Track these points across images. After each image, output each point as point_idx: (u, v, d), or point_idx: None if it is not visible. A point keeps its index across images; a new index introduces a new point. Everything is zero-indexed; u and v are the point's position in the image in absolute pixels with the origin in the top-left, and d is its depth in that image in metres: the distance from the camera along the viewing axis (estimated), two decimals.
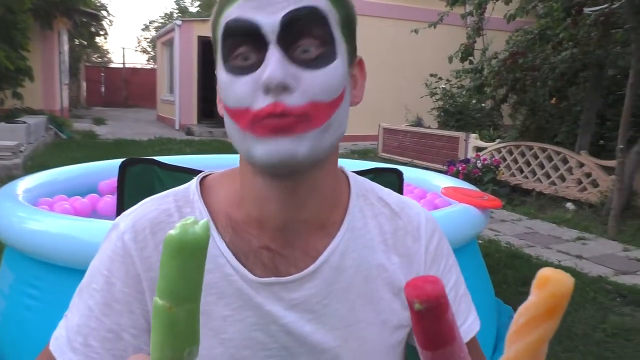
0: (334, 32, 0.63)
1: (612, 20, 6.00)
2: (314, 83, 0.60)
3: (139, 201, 0.83)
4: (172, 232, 0.45)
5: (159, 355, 0.45)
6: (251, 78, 0.60)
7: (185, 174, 1.03)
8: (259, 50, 0.60)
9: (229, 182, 0.73)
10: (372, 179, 0.80)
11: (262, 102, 0.59)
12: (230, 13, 0.62)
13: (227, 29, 0.62)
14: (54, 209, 2.63)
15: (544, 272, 0.43)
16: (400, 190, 1.12)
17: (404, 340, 0.74)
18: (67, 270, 2.06)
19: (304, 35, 0.60)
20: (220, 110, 0.69)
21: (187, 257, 0.45)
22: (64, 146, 9.50)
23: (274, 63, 0.58)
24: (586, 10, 5.79)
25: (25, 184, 2.73)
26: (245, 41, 0.61)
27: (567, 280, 0.42)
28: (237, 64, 0.62)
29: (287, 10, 0.59)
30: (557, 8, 5.97)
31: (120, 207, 1.01)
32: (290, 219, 0.68)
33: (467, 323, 0.75)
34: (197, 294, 0.47)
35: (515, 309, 2.16)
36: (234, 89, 0.61)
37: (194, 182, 0.74)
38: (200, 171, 1.01)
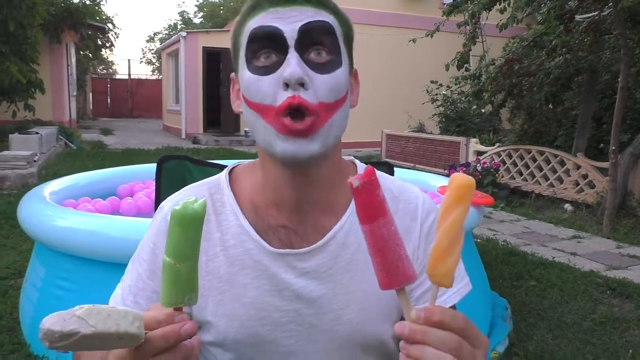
0: (340, 44, 0.77)
1: (603, 27, 6.21)
2: (324, 85, 0.73)
3: (173, 190, 0.98)
4: (176, 207, 0.60)
5: (167, 299, 0.60)
6: (273, 78, 0.72)
7: (211, 168, 1.22)
8: (280, 53, 0.73)
9: (252, 173, 0.86)
10: None
11: (282, 97, 0.71)
12: (255, 22, 0.74)
13: (253, 34, 0.74)
14: (78, 209, 2.84)
15: (452, 175, 0.58)
16: None
17: (399, 310, 0.82)
18: (95, 263, 2.27)
19: (316, 43, 0.73)
20: (237, 107, 0.82)
21: (187, 226, 0.59)
22: (74, 156, 9.75)
23: (294, 63, 0.71)
24: (577, 17, 6.01)
25: (51, 187, 2.96)
26: (268, 44, 0.73)
27: (467, 177, 0.57)
28: (260, 64, 0.74)
29: (304, 22, 0.73)
30: (550, 16, 6.18)
31: (158, 195, 1.21)
32: (302, 201, 0.80)
33: (448, 294, 0.84)
34: (195, 254, 0.61)
35: (510, 302, 2.49)
36: (259, 86, 0.73)
37: (224, 173, 0.88)
38: (224, 165, 1.21)
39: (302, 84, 0.71)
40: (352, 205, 0.82)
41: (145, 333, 0.56)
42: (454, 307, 0.85)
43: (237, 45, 0.79)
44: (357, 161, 0.91)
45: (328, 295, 0.80)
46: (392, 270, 0.58)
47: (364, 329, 0.81)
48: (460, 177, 0.57)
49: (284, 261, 0.80)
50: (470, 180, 0.57)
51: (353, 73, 0.83)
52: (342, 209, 0.83)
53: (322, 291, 0.80)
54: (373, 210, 0.58)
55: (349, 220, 0.82)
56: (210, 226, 0.82)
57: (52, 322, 0.50)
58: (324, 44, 0.74)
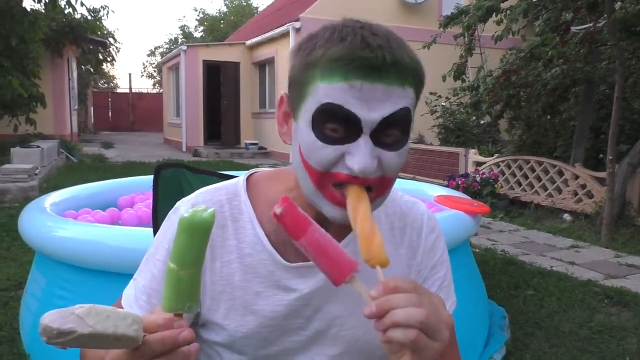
0: (412, 119, 0.74)
1: (598, 38, 6.28)
2: (391, 162, 0.72)
3: (170, 198, 1.00)
4: (185, 214, 0.61)
5: (167, 305, 0.61)
6: (338, 149, 0.70)
7: (209, 176, 1.24)
8: (350, 130, 0.69)
9: (274, 183, 0.87)
10: None
11: (342, 170, 0.70)
12: (330, 91, 0.69)
13: (326, 109, 0.69)
14: (78, 220, 2.87)
15: (346, 187, 0.72)
16: None
17: None
18: (95, 273, 2.30)
19: (392, 129, 0.71)
20: (284, 136, 0.80)
21: (193, 234, 0.61)
22: (75, 169, 9.80)
23: (364, 155, 0.68)
24: (573, 28, 6.07)
25: (52, 198, 2.99)
26: (340, 121, 0.69)
27: (355, 186, 0.71)
28: (326, 133, 0.70)
29: (388, 113, 0.69)
30: (546, 27, 6.25)
31: (155, 203, 1.23)
32: (321, 224, 0.79)
33: None
34: (199, 263, 0.62)
35: (507, 311, 2.54)
36: (322, 153, 0.70)
37: (242, 178, 0.88)
38: (221, 174, 1.23)
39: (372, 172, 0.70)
40: None
41: (144, 335, 0.57)
42: None
43: (302, 89, 0.73)
44: None
45: (334, 302, 0.84)
46: (338, 262, 0.64)
47: (367, 336, 0.83)
48: (352, 187, 0.70)
49: (297, 273, 0.82)
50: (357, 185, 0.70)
51: None
52: None
53: (330, 298, 0.83)
54: (300, 225, 0.64)
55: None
56: (227, 233, 0.83)
57: (51, 319, 0.52)
58: (399, 127, 0.71)
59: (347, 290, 0.81)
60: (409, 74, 0.71)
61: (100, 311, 0.54)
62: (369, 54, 0.67)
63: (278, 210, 0.63)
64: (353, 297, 0.81)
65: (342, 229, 0.84)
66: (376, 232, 0.65)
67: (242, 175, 0.89)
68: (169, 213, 0.88)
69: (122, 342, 0.55)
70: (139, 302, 0.82)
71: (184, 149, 14.63)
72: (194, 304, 0.62)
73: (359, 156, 0.68)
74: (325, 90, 0.69)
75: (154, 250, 0.85)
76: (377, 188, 0.73)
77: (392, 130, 0.71)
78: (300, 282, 0.82)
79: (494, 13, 5.75)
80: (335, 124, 0.69)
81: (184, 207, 0.85)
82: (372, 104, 0.68)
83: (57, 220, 2.55)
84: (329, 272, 0.64)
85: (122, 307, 0.84)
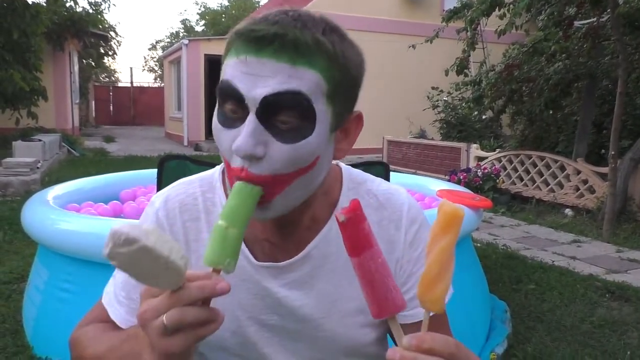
0: (317, 107, 0.66)
1: (602, 33, 6.26)
2: (282, 156, 0.65)
3: None
4: (239, 182, 0.66)
5: (210, 258, 0.63)
6: (230, 134, 0.67)
7: (211, 168, 1.26)
8: (242, 109, 0.66)
9: None
10: (364, 171, 0.91)
11: (234, 162, 0.67)
12: (227, 67, 0.67)
13: (221, 86, 0.67)
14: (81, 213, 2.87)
15: (440, 203, 0.59)
16: (387, 179, 1.33)
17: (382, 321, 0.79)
18: (97, 265, 2.29)
19: (283, 112, 0.65)
20: None
21: (245, 198, 0.66)
22: (77, 163, 9.81)
23: (245, 134, 0.64)
24: (576, 23, 6.06)
25: (55, 191, 2.99)
26: (232, 100, 0.67)
27: (454, 206, 0.58)
28: (226, 114, 0.68)
29: (272, 91, 0.63)
30: (549, 22, 6.24)
31: None
32: (284, 221, 0.79)
33: None
34: (244, 224, 0.66)
35: (509, 305, 2.53)
36: (221, 139, 0.69)
37: (218, 169, 0.88)
38: None
39: (252, 157, 0.65)
40: (333, 217, 0.82)
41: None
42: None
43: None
44: (343, 166, 0.89)
45: (309, 305, 0.82)
46: (382, 301, 0.59)
47: (345, 335, 0.82)
48: (447, 205, 0.58)
49: (266, 272, 0.82)
50: (457, 210, 0.57)
51: (352, 118, 0.76)
52: (323, 221, 0.83)
53: (304, 301, 0.82)
54: (359, 243, 0.59)
55: (329, 230, 0.82)
56: (200, 225, 0.83)
57: (120, 227, 0.54)
58: (292, 111, 0.65)
59: (320, 292, 0.81)
60: (310, 54, 0.64)
61: (161, 234, 0.56)
62: (258, 27, 0.64)
63: (341, 217, 0.57)
64: (327, 298, 0.82)
65: (307, 233, 0.82)
66: (442, 280, 0.59)
67: (218, 167, 0.88)
68: (146, 207, 0.88)
69: (169, 272, 0.56)
70: (119, 298, 0.82)
71: (186, 143, 14.63)
72: (232, 261, 0.64)
73: (240, 135, 0.64)
74: (224, 68, 0.68)
75: None
76: (267, 186, 0.67)
77: (286, 116, 0.65)
78: (269, 281, 0.81)
79: (497, 7, 5.73)
80: (231, 103, 0.67)
81: (158, 201, 0.85)
82: (257, 80, 0.64)
83: (60, 213, 2.55)
84: (370, 303, 0.61)
85: (102, 308, 0.84)
